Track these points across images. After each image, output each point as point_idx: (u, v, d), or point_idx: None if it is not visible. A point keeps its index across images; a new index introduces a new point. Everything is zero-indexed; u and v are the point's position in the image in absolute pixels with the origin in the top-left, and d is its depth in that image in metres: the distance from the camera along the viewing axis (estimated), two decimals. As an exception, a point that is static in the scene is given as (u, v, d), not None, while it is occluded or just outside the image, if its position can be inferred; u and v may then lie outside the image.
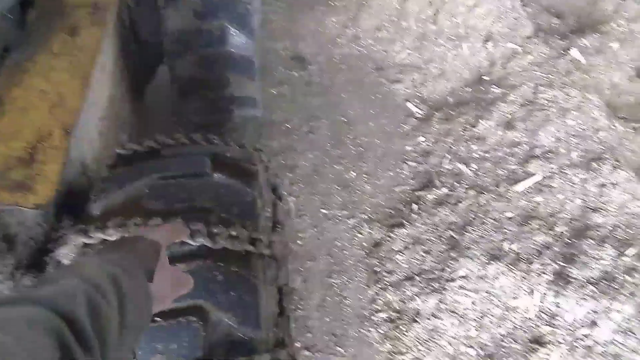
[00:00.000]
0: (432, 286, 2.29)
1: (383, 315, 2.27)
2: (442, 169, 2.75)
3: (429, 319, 2.22)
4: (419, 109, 3.10)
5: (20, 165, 1.15)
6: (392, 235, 2.51)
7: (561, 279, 2.22)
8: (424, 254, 2.42)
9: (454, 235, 2.45)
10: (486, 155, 2.77)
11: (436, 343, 2.16)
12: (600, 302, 2.13)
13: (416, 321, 2.22)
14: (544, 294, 2.20)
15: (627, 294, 2.14)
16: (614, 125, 2.85)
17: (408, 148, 2.90)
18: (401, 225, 2.54)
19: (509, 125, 2.86)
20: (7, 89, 1.29)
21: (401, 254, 2.44)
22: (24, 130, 1.21)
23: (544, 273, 2.25)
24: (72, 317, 0.65)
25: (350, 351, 2.18)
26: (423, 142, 2.91)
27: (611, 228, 2.37)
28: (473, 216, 2.51)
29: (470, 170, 2.71)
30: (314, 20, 3.57)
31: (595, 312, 2.12)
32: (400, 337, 2.20)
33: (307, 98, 3.13)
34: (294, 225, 2.52)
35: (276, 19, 3.55)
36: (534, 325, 2.15)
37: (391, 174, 2.79)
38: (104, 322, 0.70)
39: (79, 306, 0.67)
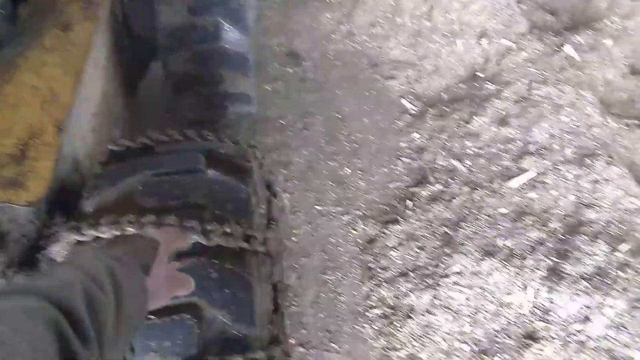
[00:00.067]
0: (426, 282, 2.30)
1: (377, 311, 2.28)
2: (436, 166, 2.76)
3: (423, 315, 2.23)
4: (413, 105, 3.10)
5: (11, 162, 1.14)
6: (386, 231, 2.51)
7: (554, 275, 2.23)
8: (418, 250, 2.42)
9: (448, 232, 2.46)
10: (480, 151, 2.77)
11: (430, 339, 2.17)
12: (594, 297, 2.14)
13: (410, 317, 2.23)
14: (538, 289, 2.21)
15: (620, 290, 2.15)
16: (607, 122, 2.87)
17: (402, 144, 2.90)
18: (395, 221, 2.54)
19: (503, 121, 2.87)
20: (-1, 85, 1.28)
21: (395, 250, 2.44)
22: (16, 127, 1.20)
23: (537, 269, 2.26)
24: (70, 308, 0.64)
25: (344, 347, 2.19)
26: (417, 138, 2.91)
27: (604, 224, 2.39)
28: (467, 212, 2.51)
29: (464, 166, 2.72)
30: (308, 16, 3.56)
31: (588, 307, 2.13)
32: (395, 333, 2.20)
33: (302, 94, 3.12)
34: (289, 222, 2.52)
35: (271, 15, 3.53)
36: (527, 321, 2.16)
37: (385, 170, 2.79)
38: (101, 313, 0.69)
39: (76, 297, 0.66)
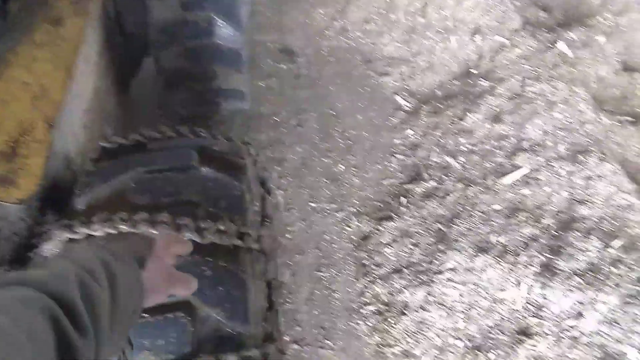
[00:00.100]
0: (420, 279, 2.30)
1: (371, 308, 2.28)
2: (430, 162, 2.76)
3: (417, 311, 2.23)
4: (407, 102, 3.10)
5: (2, 159, 1.13)
6: (380, 228, 2.51)
7: (548, 271, 2.24)
8: (412, 247, 2.43)
9: (442, 228, 2.46)
10: (474, 148, 2.77)
11: (424, 335, 2.17)
12: (586, 293, 2.15)
13: (404, 314, 2.23)
14: (531, 285, 2.22)
15: (613, 285, 2.16)
16: (600, 118, 2.88)
17: (396, 141, 2.90)
18: (389, 218, 2.54)
19: (496, 118, 2.87)
20: (-12, 81, 1.26)
21: (389, 246, 2.44)
22: (6, 123, 1.18)
23: (530, 265, 2.27)
24: (66, 299, 0.64)
25: (339, 344, 2.19)
26: (411, 135, 2.91)
27: (597, 220, 2.40)
28: (461, 209, 2.52)
29: (458, 163, 2.72)
30: (302, 12, 3.55)
31: (581, 303, 2.14)
32: (389, 329, 2.21)
33: (296, 91, 3.12)
34: (283, 219, 2.52)
35: (264, 11, 3.52)
36: (521, 317, 2.17)
37: (379, 167, 2.79)
38: (97, 305, 0.69)
39: (72, 289, 0.66)
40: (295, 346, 2.16)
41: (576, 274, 2.21)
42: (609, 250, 2.27)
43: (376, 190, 2.69)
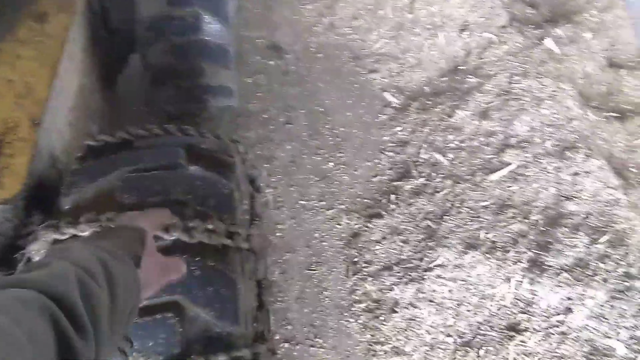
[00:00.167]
0: (410, 275, 2.31)
1: (362, 305, 2.28)
2: (419, 159, 2.76)
3: (407, 308, 2.23)
4: (396, 98, 3.10)
5: (-15, 158, 1.10)
6: (370, 225, 2.51)
7: (536, 267, 2.25)
8: (402, 244, 2.43)
9: (431, 225, 2.47)
10: (462, 144, 2.78)
11: (414, 332, 2.18)
12: (575, 288, 2.17)
13: (395, 311, 2.23)
14: (520, 281, 2.23)
15: (600, 281, 2.18)
16: (586, 115, 2.90)
17: (385, 138, 2.90)
18: (379, 215, 2.54)
19: (484, 114, 2.88)
20: (-30, 79, 1.24)
21: (379, 244, 2.45)
22: (-11, 122, 1.16)
23: (519, 261, 2.28)
24: (65, 299, 0.63)
25: (330, 342, 2.18)
26: (400, 132, 2.91)
27: (584, 216, 2.42)
28: (450, 205, 2.52)
29: (447, 159, 2.73)
30: (290, 8, 3.53)
31: (569, 298, 2.16)
32: (380, 327, 2.21)
33: (284, 87, 3.10)
34: (272, 217, 2.50)
35: (252, 7, 3.49)
36: (510, 313, 2.18)
37: (369, 164, 2.79)
38: (96, 305, 0.68)
39: (72, 289, 0.66)
40: (286, 345, 2.15)
41: (564, 270, 2.23)
42: (597, 245, 2.29)
43: (366, 187, 2.69)
